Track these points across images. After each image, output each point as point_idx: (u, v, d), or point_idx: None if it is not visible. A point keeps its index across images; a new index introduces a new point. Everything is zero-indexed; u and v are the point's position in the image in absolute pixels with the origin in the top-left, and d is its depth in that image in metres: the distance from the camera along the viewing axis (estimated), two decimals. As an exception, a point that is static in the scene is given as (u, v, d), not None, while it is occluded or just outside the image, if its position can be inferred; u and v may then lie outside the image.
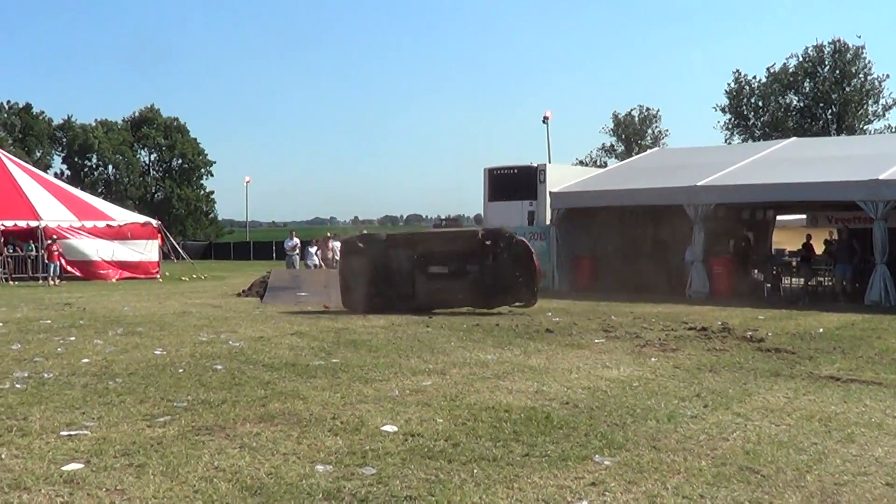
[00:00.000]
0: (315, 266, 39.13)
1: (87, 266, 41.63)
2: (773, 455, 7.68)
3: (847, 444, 8.11)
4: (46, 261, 38.89)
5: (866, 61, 76.55)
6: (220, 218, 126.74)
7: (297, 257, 41.03)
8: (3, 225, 40.43)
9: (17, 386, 11.24)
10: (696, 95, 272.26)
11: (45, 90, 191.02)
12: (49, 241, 39.03)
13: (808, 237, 30.77)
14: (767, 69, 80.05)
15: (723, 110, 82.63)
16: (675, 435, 8.43)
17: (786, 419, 9.16)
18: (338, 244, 35.04)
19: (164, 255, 46.47)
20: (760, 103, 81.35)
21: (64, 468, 7.32)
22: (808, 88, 78.33)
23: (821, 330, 17.78)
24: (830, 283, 28.31)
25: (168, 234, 48.20)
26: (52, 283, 37.44)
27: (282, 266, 42.62)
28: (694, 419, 9.14)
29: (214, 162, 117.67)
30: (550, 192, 30.76)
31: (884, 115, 77.50)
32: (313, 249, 40.67)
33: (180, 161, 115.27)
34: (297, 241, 41.44)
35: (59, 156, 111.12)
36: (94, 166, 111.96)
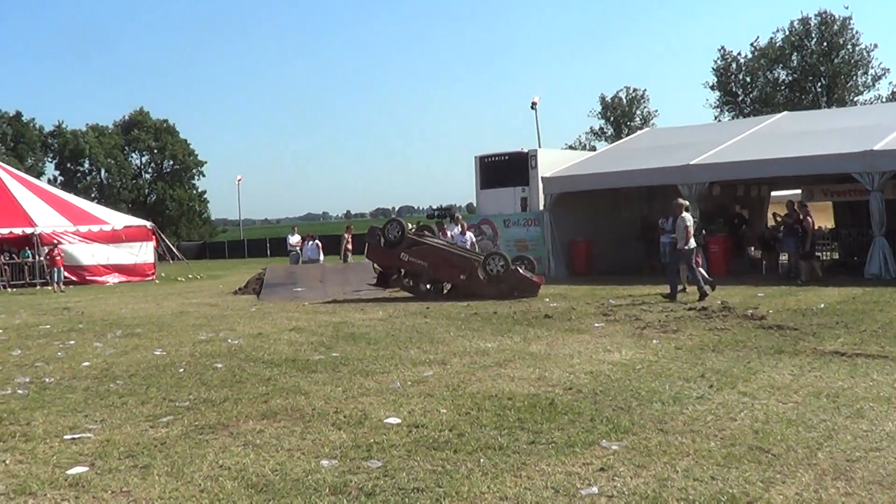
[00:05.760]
0: (313, 260, 39.03)
1: (83, 270, 41.60)
2: (782, 433, 7.61)
3: (857, 420, 8.03)
4: (48, 267, 38.60)
5: (854, 32, 76.61)
6: (213, 217, 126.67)
7: (300, 252, 40.92)
8: (-2, 233, 40.40)
9: (20, 391, 11.26)
10: (683, 75, 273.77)
11: (34, 98, 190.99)
12: (51, 247, 38.77)
13: (775, 215, 30.02)
14: (752, 44, 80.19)
15: (711, 88, 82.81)
16: (682, 417, 8.37)
17: (793, 396, 9.10)
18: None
19: (160, 257, 46.52)
20: (749, 79, 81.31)
21: (69, 472, 7.31)
22: (795, 62, 78.23)
23: (822, 305, 17.69)
24: (830, 258, 28.09)
25: (162, 235, 48.17)
26: (55, 289, 36.84)
27: (277, 262, 42.52)
28: (700, 400, 9.07)
29: (205, 162, 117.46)
30: (542, 178, 30.57)
31: (874, 86, 77.62)
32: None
33: (171, 162, 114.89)
34: (298, 236, 41.32)
35: (52, 162, 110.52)
36: (86, 171, 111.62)
